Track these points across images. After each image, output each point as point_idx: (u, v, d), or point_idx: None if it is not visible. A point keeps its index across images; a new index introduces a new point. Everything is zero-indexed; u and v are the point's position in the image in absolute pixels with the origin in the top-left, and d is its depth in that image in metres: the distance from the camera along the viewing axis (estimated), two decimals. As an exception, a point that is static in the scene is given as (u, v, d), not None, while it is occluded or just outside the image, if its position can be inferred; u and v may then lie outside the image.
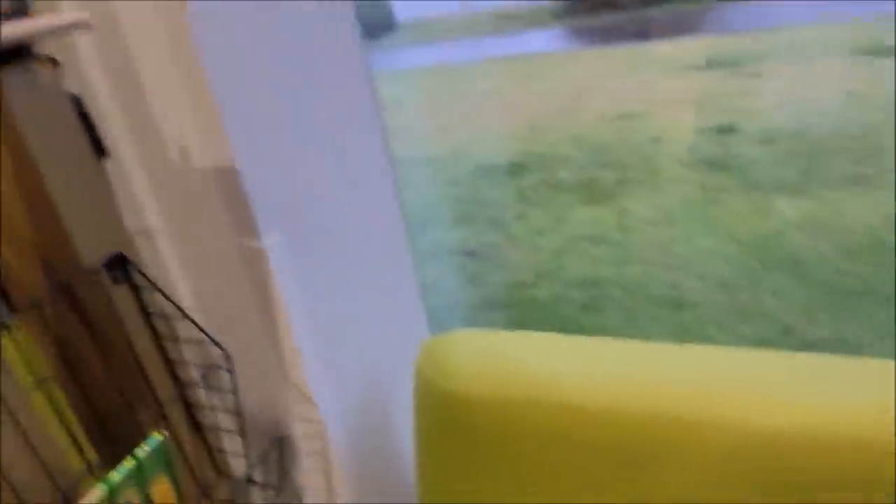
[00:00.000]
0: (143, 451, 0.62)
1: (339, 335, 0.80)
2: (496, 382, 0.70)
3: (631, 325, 2.05)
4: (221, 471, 0.76)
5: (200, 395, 0.76)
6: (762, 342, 1.85)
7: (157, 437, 0.63)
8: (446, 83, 4.74)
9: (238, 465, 0.77)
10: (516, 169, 3.23)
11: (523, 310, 2.22)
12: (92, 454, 0.67)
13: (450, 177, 3.32)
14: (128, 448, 0.62)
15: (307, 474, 0.79)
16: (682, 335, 1.93)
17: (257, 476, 0.75)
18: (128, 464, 0.61)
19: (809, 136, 2.97)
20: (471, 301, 2.33)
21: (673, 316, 2.05)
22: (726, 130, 3.18)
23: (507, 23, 6.26)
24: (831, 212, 2.44)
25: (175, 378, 0.73)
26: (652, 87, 3.94)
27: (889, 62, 3.52)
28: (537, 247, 2.58)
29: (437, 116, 4.14)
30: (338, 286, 0.80)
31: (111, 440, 0.69)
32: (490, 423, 0.70)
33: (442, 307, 2.32)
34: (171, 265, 0.76)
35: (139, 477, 0.61)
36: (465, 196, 3.12)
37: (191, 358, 0.76)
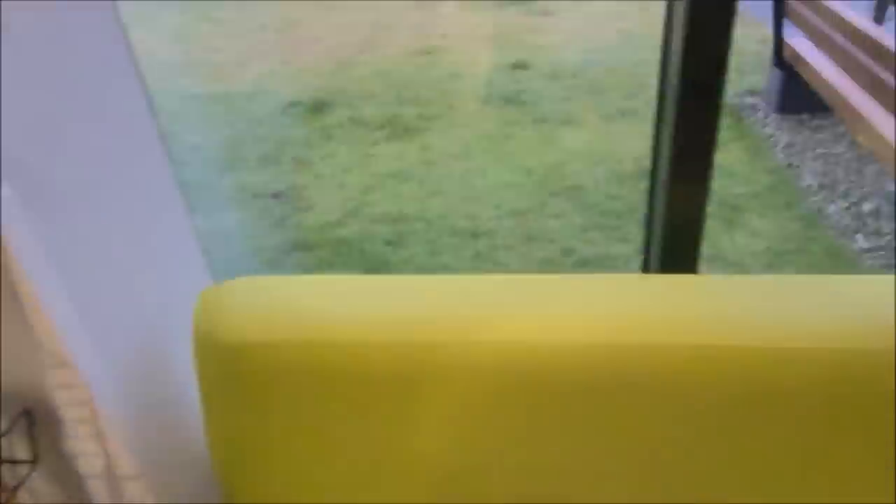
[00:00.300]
0: None
1: (101, 292, 0.74)
2: (270, 328, 0.69)
3: (434, 257, 2.14)
4: (-38, 454, 0.68)
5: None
6: (546, 262, 2.04)
7: None
8: (243, 13, 4.41)
9: (-13, 445, 0.69)
10: (321, 105, 3.15)
11: (331, 249, 2.22)
12: None
13: (252, 114, 3.15)
14: None
15: (77, 442, 0.73)
16: (478, 261, 2.07)
17: (5, 453, 0.68)
18: None
19: (589, 72, 3.25)
20: (277, 244, 2.28)
21: (470, 244, 2.18)
22: (519, 66, 3.35)
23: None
24: (605, 142, 2.72)
25: None
26: (451, 21, 4.01)
27: (657, 4, 3.92)
28: (344, 185, 2.57)
29: (234, 49, 3.86)
30: (94, 239, 0.73)
31: None
32: (268, 369, 0.70)
33: (246, 252, 2.23)
34: None
35: None
36: (268, 134, 2.98)
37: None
